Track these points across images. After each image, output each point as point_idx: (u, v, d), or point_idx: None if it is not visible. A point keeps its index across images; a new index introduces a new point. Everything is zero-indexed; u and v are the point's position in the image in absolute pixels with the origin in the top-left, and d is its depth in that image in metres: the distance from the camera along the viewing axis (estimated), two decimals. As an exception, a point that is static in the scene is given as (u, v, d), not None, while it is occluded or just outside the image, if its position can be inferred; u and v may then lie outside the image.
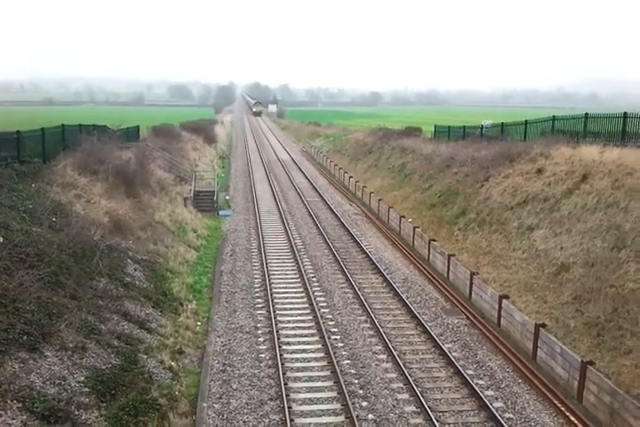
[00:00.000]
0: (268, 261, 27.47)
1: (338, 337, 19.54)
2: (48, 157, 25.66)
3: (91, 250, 18.61)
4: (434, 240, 28.13)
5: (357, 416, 14.61)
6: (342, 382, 16.06)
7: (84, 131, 32.37)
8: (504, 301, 20.10)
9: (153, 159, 37.55)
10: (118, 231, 23.11)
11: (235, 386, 16.17)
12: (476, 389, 15.97)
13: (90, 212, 22.87)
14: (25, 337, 12.75)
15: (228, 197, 42.69)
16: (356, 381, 16.61)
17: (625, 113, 25.31)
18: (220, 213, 38.09)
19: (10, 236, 16.19)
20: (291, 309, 21.79)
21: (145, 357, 15.76)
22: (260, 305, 22.18)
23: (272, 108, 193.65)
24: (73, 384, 12.64)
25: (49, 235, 17.82)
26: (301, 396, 15.66)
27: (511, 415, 15.04)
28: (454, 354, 18.34)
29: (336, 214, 38.24)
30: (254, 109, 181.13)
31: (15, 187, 20.39)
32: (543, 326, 17.82)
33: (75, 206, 22.40)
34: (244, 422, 14.45)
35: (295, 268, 26.65)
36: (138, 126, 46.76)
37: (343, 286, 24.60)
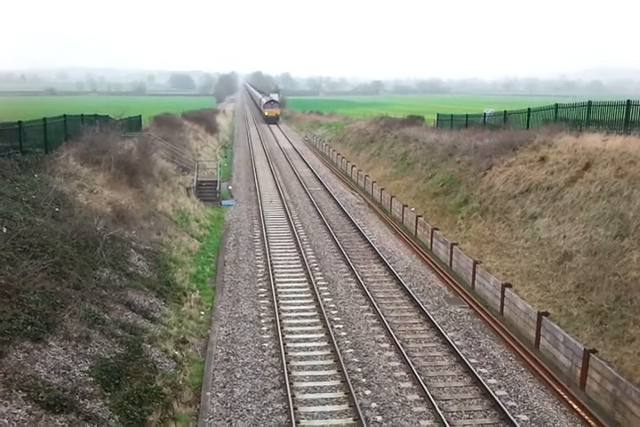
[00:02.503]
0: (271, 250, 27.50)
1: (341, 326, 19.60)
2: (50, 148, 25.63)
3: (94, 240, 18.63)
4: (436, 229, 28.12)
5: (361, 405, 14.68)
6: (345, 371, 16.12)
7: (86, 121, 32.32)
8: (507, 289, 20.12)
9: (155, 149, 37.51)
10: (121, 221, 23.12)
11: (238, 375, 16.24)
12: (479, 377, 16.02)
13: (92, 202, 22.88)
14: (29, 327, 12.78)
15: (230, 187, 42.68)
16: (360, 369, 16.67)
17: (628, 101, 25.16)
18: (223, 202, 38.10)
19: (13, 226, 16.21)
20: (294, 298, 21.84)
21: (149, 346, 15.83)
22: (264, 294, 22.23)
23: (274, 97, 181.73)
24: (77, 374, 12.70)
25: (52, 225, 17.84)
26: (305, 385, 15.72)
27: (514, 403, 15.10)
28: (457, 343, 18.39)
29: (338, 204, 38.22)
30: (266, 113, 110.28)
31: (18, 177, 20.38)
32: (546, 314, 17.85)
33: (77, 197, 22.41)
34: (248, 410, 14.53)
35: (298, 257, 26.68)
36: (140, 116, 46.67)
37: (346, 275, 24.63)
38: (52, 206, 19.31)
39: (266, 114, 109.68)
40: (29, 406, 10.88)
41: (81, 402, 11.88)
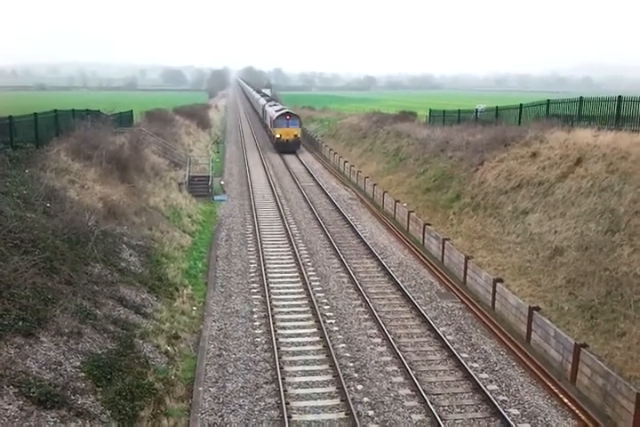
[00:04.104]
0: (264, 245, 27.49)
1: (333, 321, 19.63)
2: (41, 143, 25.51)
3: (85, 235, 18.56)
4: (428, 224, 28.18)
5: (352, 399, 14.72)
6: (337, 366, 16.15)
7: (77, 116, 32.16)
8: (498, 284, 20.19)
9: (147, 144, 37.39)
10: (113, 217, 23.04)
11: (230, 370, 16.25)
12: (471, 372, 16.09)
13: (84, 197, 22.79)
14: (20, 323, 12.74)
15: (222, 182, 42.57)
16: (352, 364, 16.71)
17: (619, 96, 25.27)
18: (215, 198, 38.03)
19: (4, 222, 16.10)
20: (286, 293, 21.85)
21: (141, 341, 15.80)
22: (256, 290, 22.23)
23: (266, 92, 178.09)
24: (69, 369, 12.67)
25: (43, 221, 17.76)
26: (297, 379, 15.75)
27: (505, 398, 15.17)
28: (449, 337, 18.45)
29: (331, 199, 38.22)
30: (278, 134, 60.86)
31: (8, 172, 20.26)
32: (537, 309, 17.93)
33: (69, 192, 22.31)
34: (240, 405, 14.55)
35: (290, 252, 26.68)
36: (131, 111, 46.50)
37: (338, 270, 24.65)
38: (43, 202, 19.22)
39: (277, 136, 60.05)
40: (20, 402, 10.86)
41: (72, 398, 11.86)
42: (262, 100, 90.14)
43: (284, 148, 59.64)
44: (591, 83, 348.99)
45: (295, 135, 60.06)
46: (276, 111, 64.63)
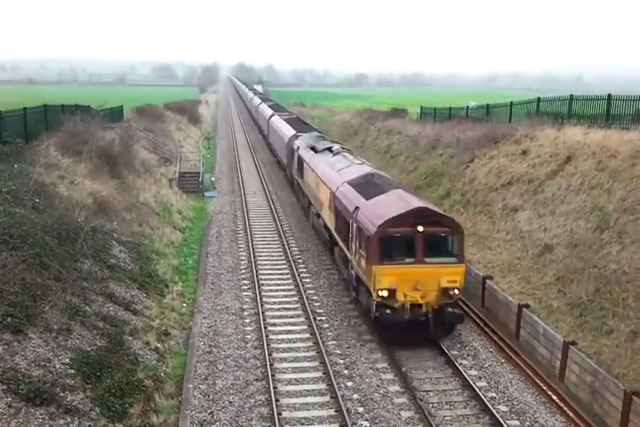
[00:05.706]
0: (254, 242, 27.45)
1: (323, 318, 19.63)
2: (30, 138, 25.35)
3: (75, 231, 18.45)
4: (419, 222, 28.12)
5: (342, 396, 14.74)
6: (328, 363, 16.16)
7: (67, 111, 31.96)
8: (488, 281, 20.24)
9: (137, 140, 37.22)
10: (102, 213, 22.94)
11: (220, 367, 16.23)
12: (460, 368, 16.14)
13: (74, 193, 22.67)
14: (9, 319, 12.68)
15: (213, 179, 42.43)
16: (342, 361, 16.73)
17: (609, 95, 25.36)
18: (206, 194, 37.90)
19: (-8, 217, 16.02)
20: (277, 290, 21.84)
21: (130, 338, 15.76)
22: (246, 287, 22.20)
23: (257, 88, 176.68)
24: (58, 366, 12.62)
25: (32, 216, 17.64)
26: (287, 376, 15.76)
27: (494, 394, 15.23)
28: (438, 334, 18.46)
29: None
30: (377, 286, 16.26)
31: (-3, 168, 20.14)
32: (526, 306, 17.98)
33: (58, 187, 22.19)
34: (230, 402, 14.54)
35: (281, 249, 26.65)
36: (121, 107, 46.22)
37: (329, 267, 24.64)
38: (32, 197, 19.09)
39: (379, 298, 16.56)
40: (9, 399, 10.82)
41: (61, 394, 11.83)
42: (290, 134, 37.93)
43: (405, 334, 17.32)
44: (583, 82, 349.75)
45: (446, 291, 16.96)
46: (370, 199, 19.14)
